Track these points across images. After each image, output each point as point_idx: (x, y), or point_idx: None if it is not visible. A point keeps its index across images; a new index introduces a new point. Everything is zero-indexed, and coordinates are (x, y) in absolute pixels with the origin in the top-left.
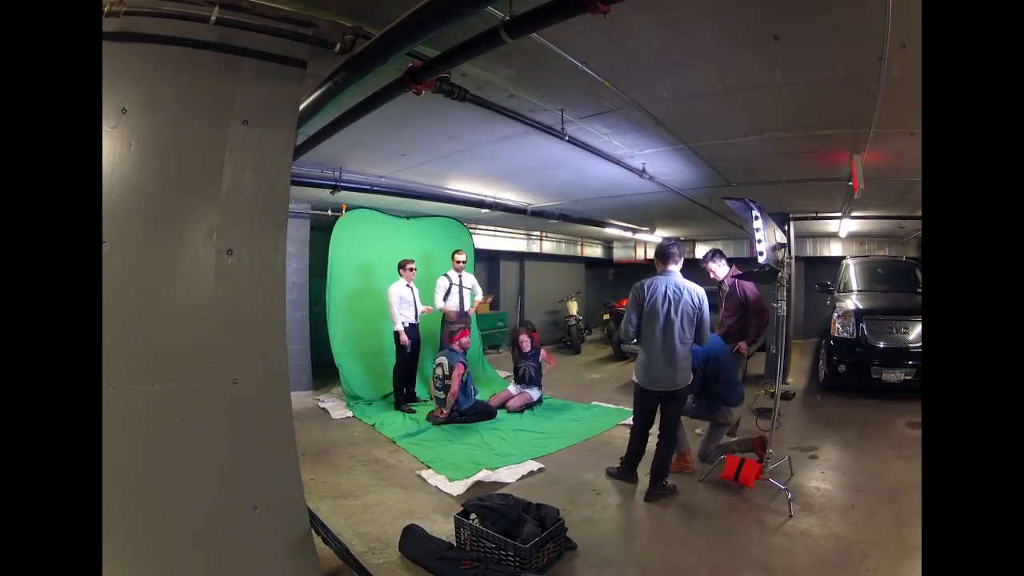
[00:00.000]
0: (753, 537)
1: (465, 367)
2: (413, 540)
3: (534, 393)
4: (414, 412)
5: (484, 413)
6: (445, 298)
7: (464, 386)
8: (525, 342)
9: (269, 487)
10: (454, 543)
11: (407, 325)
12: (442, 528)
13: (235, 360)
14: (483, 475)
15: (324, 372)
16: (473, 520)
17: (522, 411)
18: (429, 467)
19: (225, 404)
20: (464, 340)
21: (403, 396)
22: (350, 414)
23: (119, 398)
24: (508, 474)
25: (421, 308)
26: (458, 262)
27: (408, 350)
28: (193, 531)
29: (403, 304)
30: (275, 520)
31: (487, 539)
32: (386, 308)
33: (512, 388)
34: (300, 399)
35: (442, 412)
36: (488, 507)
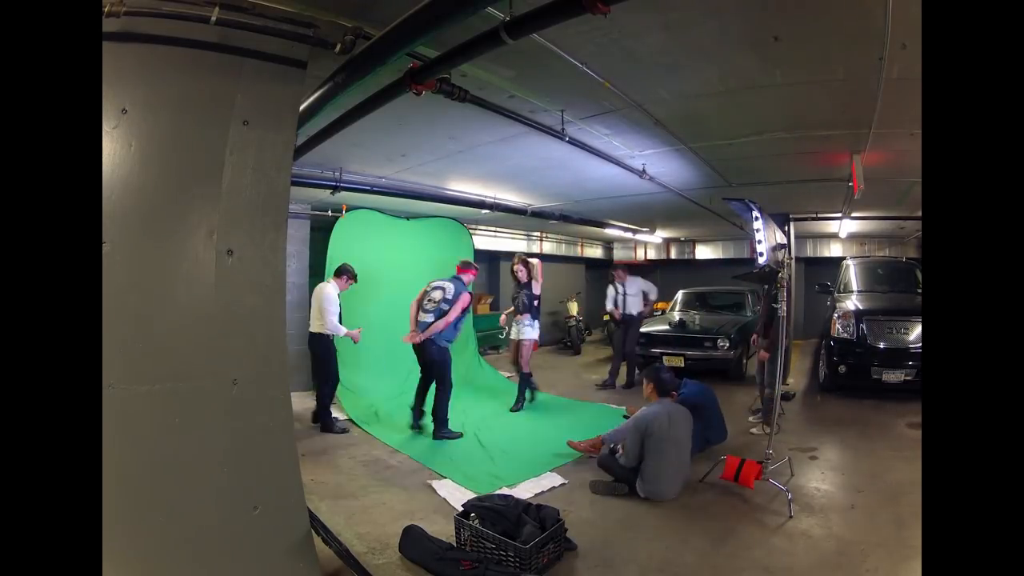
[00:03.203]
0: (753, 538)
1: (470, 302)
2: (413, 540)
3: (531, 331)
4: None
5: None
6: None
7: (456, 323)
8: (521, 271)
9: (269, 487)
10: (454, 544)
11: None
12: (442, 529)
13: (235, 360)
14: (503, 492)
15: None
16: (473, 521)
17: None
18: (445, 477)
19: (225, 404)
20: (469, 275)
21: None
22: (349, 416)
23: (119, 398)
24: (527, 490)
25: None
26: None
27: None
28: (193, 531)
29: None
30: (275, 521)
31: (487, 540)
32: (385, 309)
33: (515, 329)
34: (300, 400)
35: (417, 336)
36: (488, 508)
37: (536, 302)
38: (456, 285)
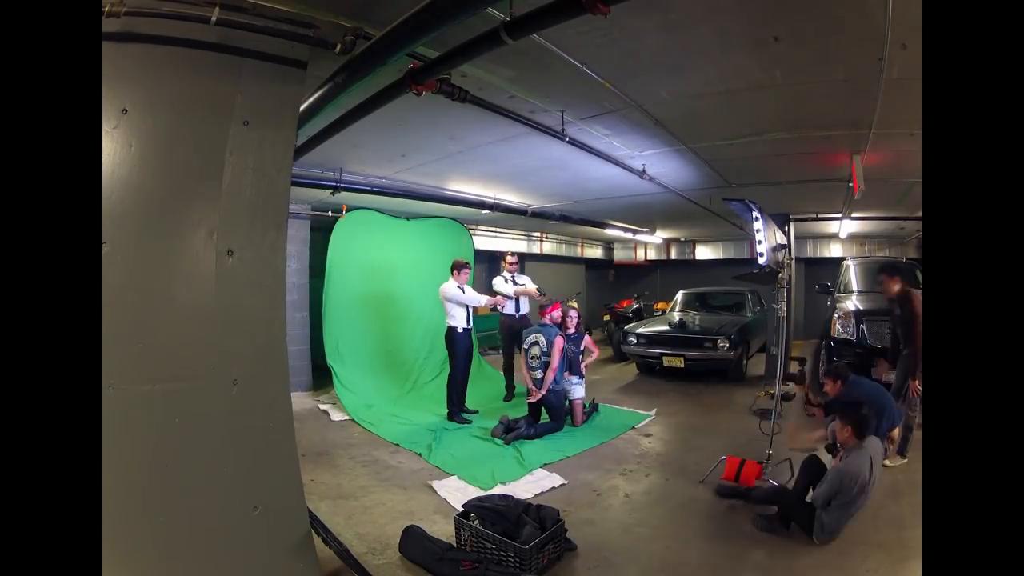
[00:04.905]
0: (753, 538)
1: (565, 341)
2: (413, 541)
3: (578, 389)
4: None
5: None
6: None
7: (560, 366)
8: (572, 320)
9: (269, 488)
10: (454, 544)
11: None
12: (442, 529)
13: (235, 360)
14: (498, 491)
15: (324, 373)
16: (473, 521)
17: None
18: (451, 475)
19: (225, 404)
20: (555, 313)
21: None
22: (349, 416)
23: (119, 398)
24: (527, 489)
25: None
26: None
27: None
28: (193, 532)
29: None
30: (275, 521)
31: (487, 540)
32: (385, 308)
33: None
34: (300, 400)
35: (538, 394)
36: (488, 508)
37: (581, 356)
38: (547, 333)
